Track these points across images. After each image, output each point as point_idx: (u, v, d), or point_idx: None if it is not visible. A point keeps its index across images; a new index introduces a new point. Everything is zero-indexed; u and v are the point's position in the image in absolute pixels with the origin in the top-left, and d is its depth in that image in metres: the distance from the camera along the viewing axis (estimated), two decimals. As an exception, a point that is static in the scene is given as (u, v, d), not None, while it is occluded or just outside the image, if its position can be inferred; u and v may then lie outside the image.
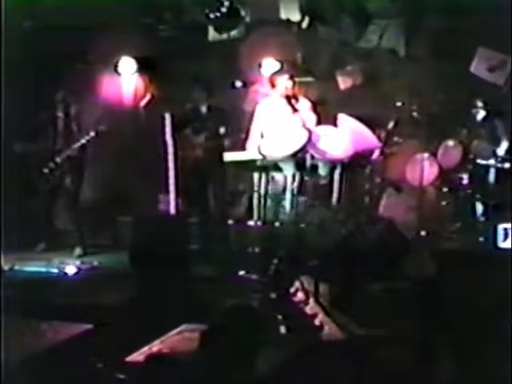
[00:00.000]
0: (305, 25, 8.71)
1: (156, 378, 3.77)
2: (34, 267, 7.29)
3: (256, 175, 7.31)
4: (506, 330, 4.47)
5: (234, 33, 8.88)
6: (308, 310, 5.95)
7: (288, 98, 7.40)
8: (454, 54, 8.25)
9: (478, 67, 8.39)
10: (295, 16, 8.78)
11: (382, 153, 7.75)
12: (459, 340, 4.74)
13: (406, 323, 5.26)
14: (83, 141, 8.03)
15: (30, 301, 5.85)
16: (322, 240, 6.69)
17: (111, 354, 4.67)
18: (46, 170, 8.13)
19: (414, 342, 4.83)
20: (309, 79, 8.50)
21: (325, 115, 7.49)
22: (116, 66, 9.10)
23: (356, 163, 7.25)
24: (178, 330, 5.43)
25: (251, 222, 7.52)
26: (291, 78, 7.46)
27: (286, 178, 7.14)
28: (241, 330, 3.72)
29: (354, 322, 5.55)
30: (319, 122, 7.38)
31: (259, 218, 7.23)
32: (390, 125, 7.97)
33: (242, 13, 8.83)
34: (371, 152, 7.54)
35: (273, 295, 6.19)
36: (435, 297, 5.59)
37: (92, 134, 7.99)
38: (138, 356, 4.84)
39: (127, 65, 9.09)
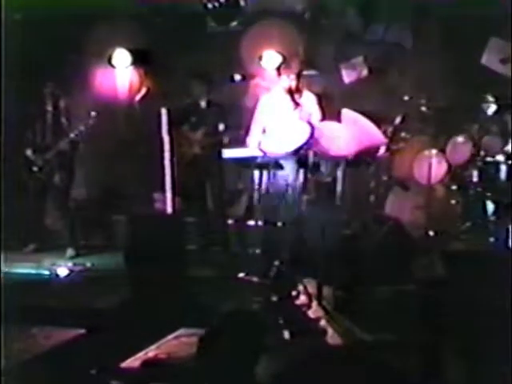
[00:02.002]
0: (308, 16, 8.72)
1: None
2: (23, 269, 7.29)
3: (256, 173, 7.32)
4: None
5: (233, 24, 8.89)
6: (311, 313, 5.98)
7: (291, 92, 7.39)
8: (464, 45, 8.24)
9: (489, 59, 8.38)
10: (298, 6, 8.79)
11: (388, 149, 7.76)
12: (467, 344, 4.77)
13: (413, 327, 5.28)
14: (73, 136, 8.04)
15: (19, 304, 5.85)
16: (326, 241, 6.70)
17: (106, 360, 4.68)
18: (35, 168, 8.14)
19: (421, 347, 4.86)
20: (312, 72, 8.50)
21: (328, 110, 7.51)
22: (110, 59, 9.10)
23: (361, 160, 7.25)
24: (175, 334, 5.45)
25: (251, 222, 7.53)
26: (298, 75, 7.42)
27: (287, 175, 7.16)
28: (240, 334, 3.73)
29: (359, 327, 5.57)
30: (323, 117, 7.39)
31: (260, 217, 7.25)
32: (397, 120, 7.97)
33: (242, 3, 8.84)
34: (377, 148, 7.55)
35: (274, 298, 6.20)
36: (443, 299, 5.61)
37: (82, 128, 8.01)
38: (133, 361, 4.85)
39: (122, 57, 9.10)
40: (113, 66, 9.14)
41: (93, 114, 8.01)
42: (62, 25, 8.69)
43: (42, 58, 8.65)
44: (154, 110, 7.84)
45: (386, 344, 5.17)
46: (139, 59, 9.04)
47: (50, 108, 8.15)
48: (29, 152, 8.17)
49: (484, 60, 8.38)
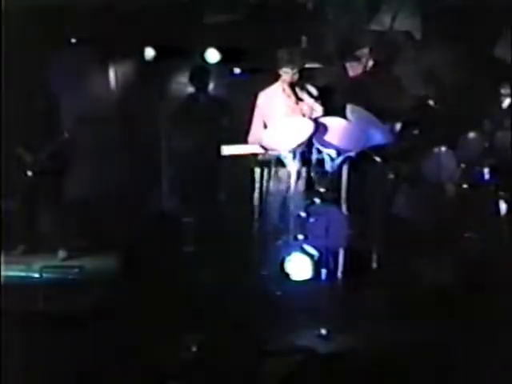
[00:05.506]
0: (311, 5, 8.79)
1: None
2: (12, 271, 7.37)
3: (257, 171, 7.39)
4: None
5: (232, 15, 8.95)
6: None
7: (293, 86, 7.46)
8: (476, 35, 8.31)
9: (502, 50, 8.47)
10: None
11: (395, 146, 7.82)
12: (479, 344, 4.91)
13: (423, 331, 5.41)
14: (66, 135, 8.14)
15: (8, 308, 5.94)
16: (330, 241, 6.82)
17: (101, 363, 4.81)
18: (25, 167, 8.24)
19: (432, 351, 4.99)
20: (315, 65, 8.58)
21: (332, 105, 7.57)
22: (103, 50, 9.17)
23: (366, 157, 7.33)
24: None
25: (252, 222, 7.60)
26: (299, 70, 7.46)
27: (289, 173, 7.23)
28: (241, 340, 3.84)
29: (366, 334, 5.68)
30: (326, 113, 7.46)
31: (261, 217, 7.33)
32: (404, 115, 8.05)
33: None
34: (383, 145, 7.63)
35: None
36: (456, 301, 5.74)
37: (74, 126, 8.09)
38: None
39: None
40: (107, 58, 9.22)
41: (87, 110, 8.10)
42: (53, 15, 8.75)
43: (30, 50, 8.73)
44: (150, 104, 7.93)
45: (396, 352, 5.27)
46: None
47: (42, 103, 8.24)
48: (20, 151, 8.27)
49: (497, 51, 8.46)
